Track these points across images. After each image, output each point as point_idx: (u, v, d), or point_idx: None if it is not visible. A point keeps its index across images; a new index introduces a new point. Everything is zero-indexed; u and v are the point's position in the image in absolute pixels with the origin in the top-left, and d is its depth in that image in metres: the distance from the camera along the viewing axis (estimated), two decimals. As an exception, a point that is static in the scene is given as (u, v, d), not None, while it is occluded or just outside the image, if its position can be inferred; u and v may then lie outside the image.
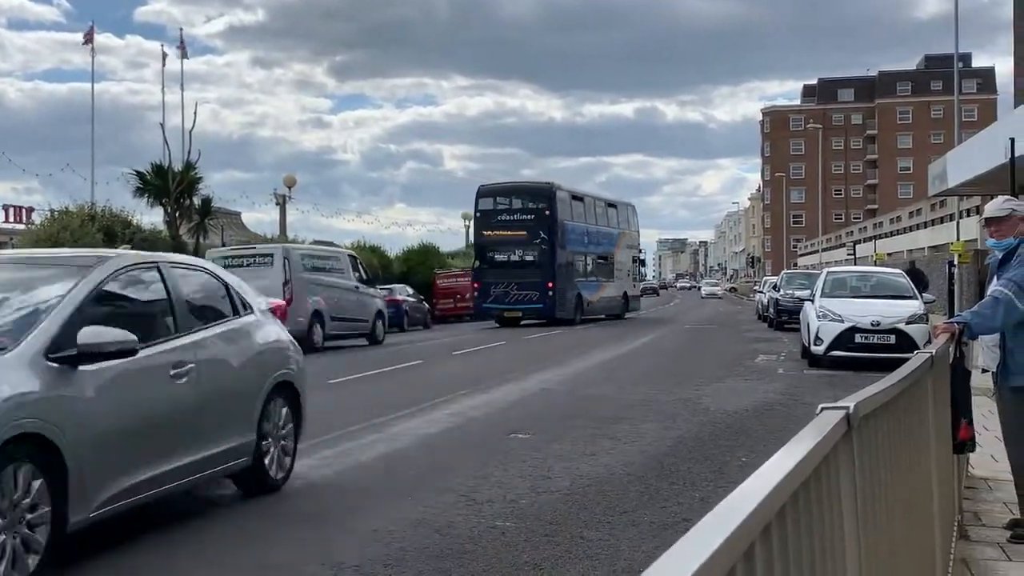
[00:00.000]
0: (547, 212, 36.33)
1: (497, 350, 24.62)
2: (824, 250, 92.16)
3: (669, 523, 6.89)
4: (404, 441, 10.68)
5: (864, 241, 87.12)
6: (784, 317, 31.44)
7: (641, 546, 6.31)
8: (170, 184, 32.28)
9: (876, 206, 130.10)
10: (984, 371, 6.70)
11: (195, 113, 64.56)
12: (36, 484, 5.49)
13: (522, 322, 35.34)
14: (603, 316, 39.75)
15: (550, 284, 35.77)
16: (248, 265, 24.53)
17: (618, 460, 9.39)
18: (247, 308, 8.29)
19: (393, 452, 10.05)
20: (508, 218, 36.97)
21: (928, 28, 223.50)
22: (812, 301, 19.53)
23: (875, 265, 47.17)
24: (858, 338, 18.07)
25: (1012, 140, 19.95)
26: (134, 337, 6.12)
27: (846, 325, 18.18)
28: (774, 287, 35.67)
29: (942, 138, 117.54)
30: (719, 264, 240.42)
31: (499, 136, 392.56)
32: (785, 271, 43.39)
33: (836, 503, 2.10)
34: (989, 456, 8.70)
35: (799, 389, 15.06)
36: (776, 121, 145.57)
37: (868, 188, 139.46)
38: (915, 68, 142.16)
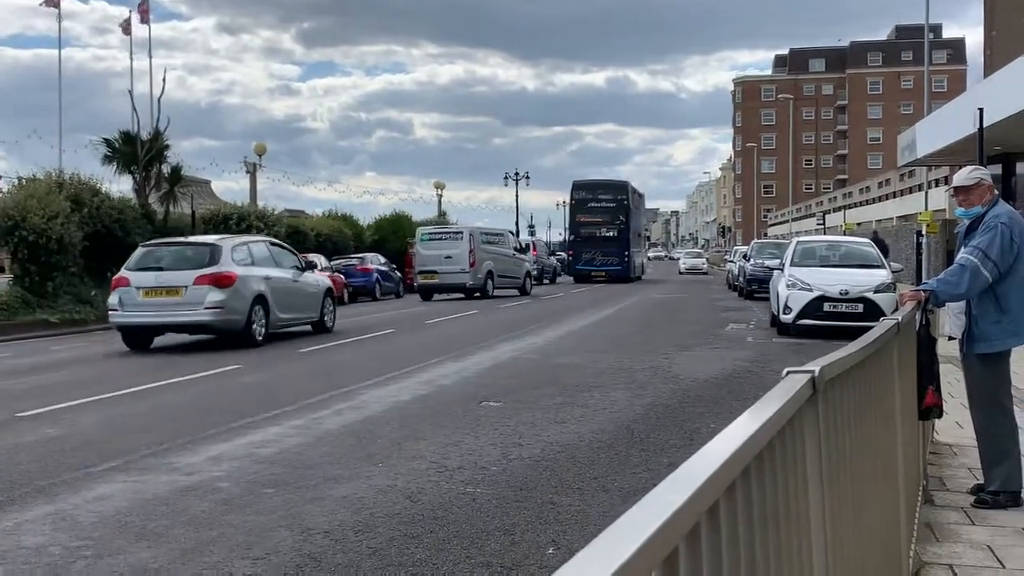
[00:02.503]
0: (624, 201, 50.27)
1: (470, 319, 24.84)
2: (794, 220, 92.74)
3: (639, 488, 6.92)
4: (374, 409, 10.70)
5: (834, 211, 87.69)
6: (754, 286, 31.68)
7: (611, 511, 6.34)
8: (139, 152, 31.96)
9: (846, 176, 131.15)
10: (950, 338, 6.76)
11: (164, 80, 63.39)
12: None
13: (600, 279, 48.48)
14: (641, 276, 53.96)
15: (626, 253, 49.74)
16: (444, 239, 35.79)
17: (589, 428, 9.42)
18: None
19: (363, 420, 10.07)
20: (595, 205, 50.13)
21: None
22: (782, 270, 19.59)
23: (844, 235, 47.82)
24: (827, 307, 18.25)
25: (980, 111, 20.07)
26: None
27: (815, 294, 18.33)
28: (745, 256, 35.90)
29: (912, 108, 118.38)
30: (690, 234, 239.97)
31: (470, 105, 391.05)
32: (755, 241, 43.78)
33: (801, 465, 2.11)
34: (954, 422, 8.83)
35: (768, 357, 15.17)
36: (747, 91, 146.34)
37: (838, 158, 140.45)
38: (886, 39, 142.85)
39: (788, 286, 18.67)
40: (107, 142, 32.94)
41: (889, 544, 3.94)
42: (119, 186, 33.21)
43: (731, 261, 44.55)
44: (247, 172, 42.20)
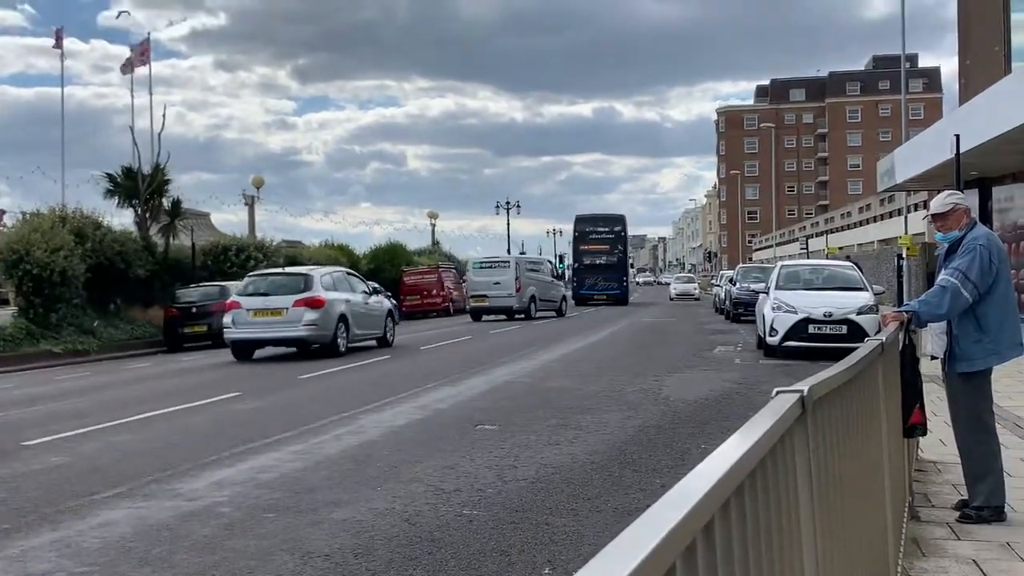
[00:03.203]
0: (622, 232, 53.93)
1: (463, 344, 24.85)
2: (778, 244, 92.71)
3: (633, 509, 6.89)
4: (372, 434, 10.63)
5: (816, 236, 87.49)
6: (740, 309, 31.65)
7: (605, 531, 6.33)
8: (140, 186, 31.93)
9: (827, 202, 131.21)
10: (932, 358, 6.75)
11: (164, 116, 63.47)
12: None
13: (601, 303, 50.69)
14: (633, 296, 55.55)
15: (624, 279, 53.41)
16: (494, 267, 39.44)
17: (582, 449, 9.37)
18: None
19: (362, 444, 10.00)
20: (596, 236, 53.45)
21: (877, 28, 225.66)
22: (767, 294, 19.58)
23: (827, 259, 47.78)
24: (811, 328, 18.16)
25: (957, 137, 20.15)
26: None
27: (800, 316, 18.26)
28: (731, 281, 35.88)
29: (890, 135, 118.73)
30: (677, 259, 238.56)
31: (461, 136, 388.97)
32: (741, 265, 43.94)
33: (792, 482, 2.11)
34: (938, 440, 8.79)
35: (756, 378, 15.15)
36: (731, 120, 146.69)
37: (820, 184, 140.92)
38: (864, 68, 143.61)
39: (774, 309, 18.63)
40: (109, 177, 32.95)
41: (877, 559, 3.92)
42: (121, 219, 33.23)
43: (718, 285, 44.48)
44: (245, 204, 42.39)
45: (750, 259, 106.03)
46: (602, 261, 52.61)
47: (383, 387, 15.01)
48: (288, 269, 24.76)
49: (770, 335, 18.61)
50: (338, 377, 17.24)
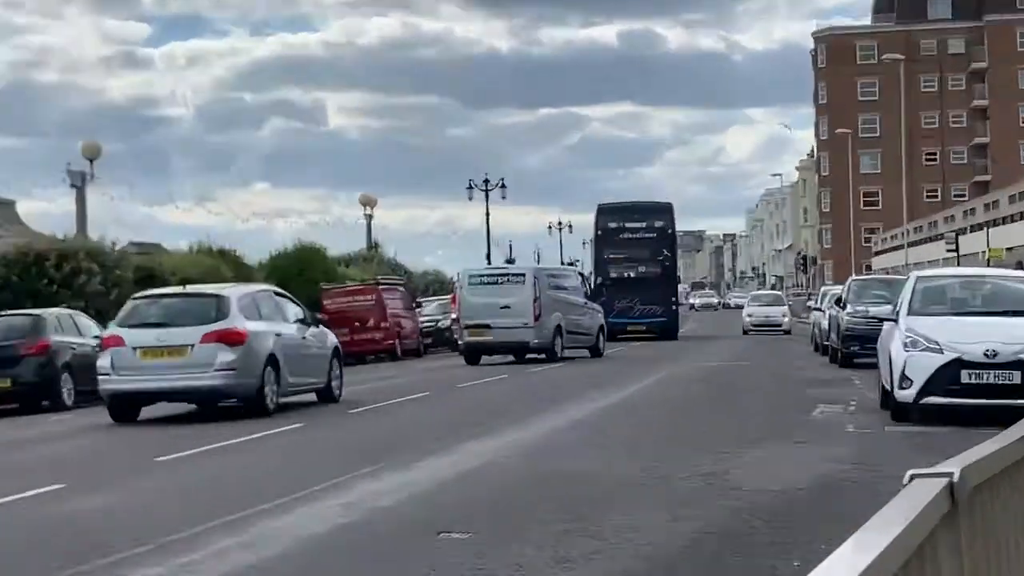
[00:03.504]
0: (668, 230, 45.83)
1: (417, 405, 22.07)
2: (911, 245, 79.66)
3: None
4: (272, 548, 9.03)
5: (971, 230, 75.64)
6: (854, 346, 27.89)
7: None
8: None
9: (988, 177, 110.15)
10: None
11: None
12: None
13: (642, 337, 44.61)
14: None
15: (673, 299, 46.38)
16: (500, 283, 32.57)
17: (606, 570, 8.14)
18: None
19: (254, 567, 8.37)
20: (630, 236, 44.81)
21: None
22: (895, 321, 17.21)
23: (989, 266, 43.30)
24: (966, 376, 15.72)
25: None
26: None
27: (947, 357, 15.77)
28: (838, 302, 31.50)
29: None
30: (753, 268, 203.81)
31: (412, 77, 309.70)
32: (854, 277, 38.22)
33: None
34: None
35: (878, 456, 13.47)
36: (836, 50, 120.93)
37: (975, 151, 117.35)
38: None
39: (907, 346, 16.26)
40: None
41: None
42: None
43: (818, 309, 38.51)
44: (72, 187, 35.69)
45: (868, 268, 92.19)
46: (638, 274, 45.09)
47: (298, 470, 13.27)
48: (191, 289, 22.07)
49: (901, 387, 16.28)
50: (232, 455, 15.34)
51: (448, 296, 43.50)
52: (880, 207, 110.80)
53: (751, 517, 10.38)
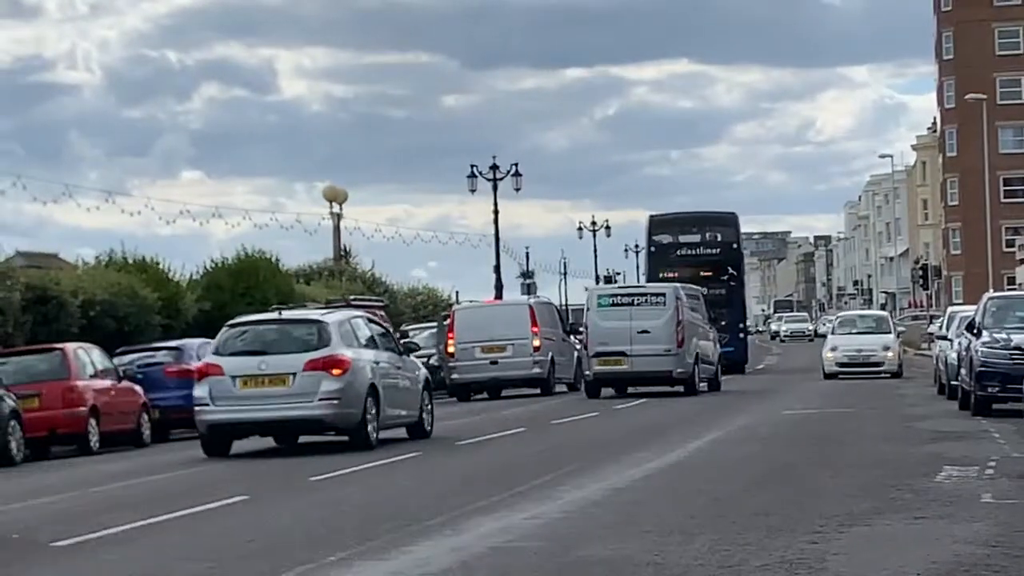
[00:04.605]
0: (734, 245, 50.65)
1: (394, 472, 21.42)
2: None
3: None
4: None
5: None
6: (992, 387, 26.57)
7: None
8: None
9: None
10: None
11: None
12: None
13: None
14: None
15: (740, 326, 49.82)
16: (637, 304, 37.43)
17: None
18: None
19: None
20: (688, 252, 49.81)
21: None
22: None
23: None
24: None
25: None
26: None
27: None
28: (970, 327, 29.87)
29: None
30: (855, 283, 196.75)
31: (394, 29, 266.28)
32: (992, 295, 35.08)
33: None
34: None
35: None
36: None
37: None
38: None
39: None
40: None
41: None
42: None
43: (942, 337, 37.52)
44: None
45: (1011, 282, 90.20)
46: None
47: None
48: (289, 315, 25.32)
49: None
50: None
51: (438, 321, 44.97)
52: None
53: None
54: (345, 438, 22.68)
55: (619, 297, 39.12)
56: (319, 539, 14.11)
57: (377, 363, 23.16)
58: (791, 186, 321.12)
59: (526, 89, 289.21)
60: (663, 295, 37.76)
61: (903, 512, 14.50)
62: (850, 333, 49.02)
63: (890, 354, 46.41)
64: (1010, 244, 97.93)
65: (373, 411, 22.36)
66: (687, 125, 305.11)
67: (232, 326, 24.08)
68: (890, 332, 49.28)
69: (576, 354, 42.90)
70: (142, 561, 13.54)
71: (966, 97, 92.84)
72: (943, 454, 20.85)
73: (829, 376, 45.23)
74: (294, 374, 21.77)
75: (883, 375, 45.66)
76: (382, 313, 41.35)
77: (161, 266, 40.72)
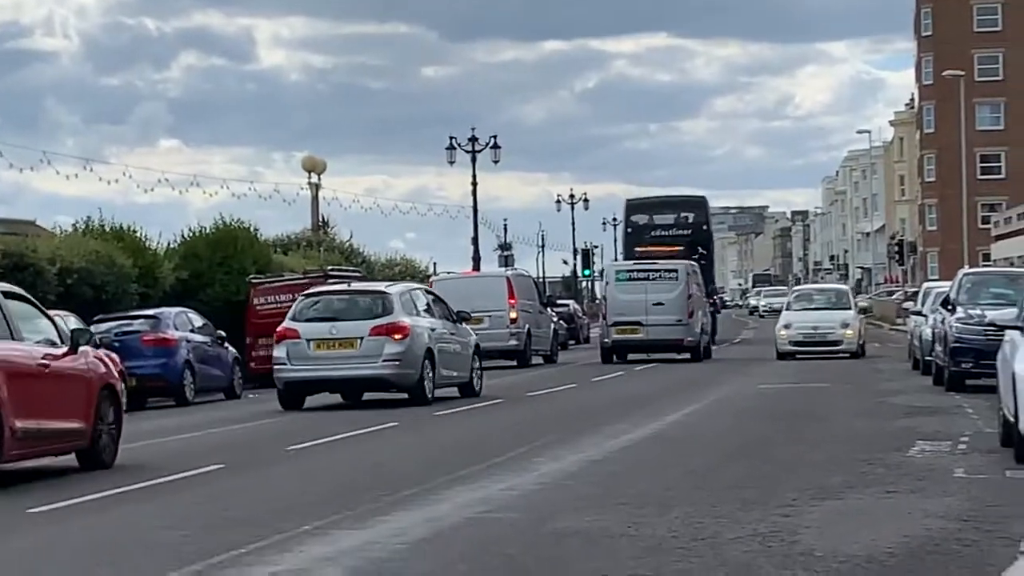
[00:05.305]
0: (704, 225, 54.28)
1: (372, 442, 21.70)
2: None
3: None
4: None
5: None
6: (966, 362, 26.91)
7: None
8: None
9: None
10: None
11: None
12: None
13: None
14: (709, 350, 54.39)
15: (711, 300, 52.31)
16: (652, 279, 41.84)
17: None
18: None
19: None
20: (661, 234, 52.60)
21: None
22: (1022, 330, 16.49)
23: None
24: None
25: None
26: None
27: None
28: (945, 303, 30.21)
29: None
30: (831, 258, 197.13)
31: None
32: (966, 270, 35.67)
33: None
34: None
35: (995, 509, 12.85)
36: None
37: None
38: None
39: None
40: None
41: None
42: None
43: (917, 312, 37.54)
44: None
45: (986, 258, 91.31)
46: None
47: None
48: (356, 286, 29.97)
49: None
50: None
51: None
52: (1004, 175, 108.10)
53: (827, 597, 9.96)
54: (404, 395, 26.01)
55: (636, 272, 43.11)
56: (294, 508, 14.07)
57: (433, 330, 26.59)
58: (769, 160, 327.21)
59: (505, 61, 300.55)
60: (676, 271, 42.28)
61: (875, 486, 14.66)
62: (806, 309, 45.57)
63: (849, 332, 43.11)
64: (986, 221, 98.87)
65: (430, 372, 25.78)
66: (666, 99, 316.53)
67: (307, 295, 28.08)
68: (849, 308, 46.11)
69: (553, 326, 47.47)
70: (111, 529, 13.33)
71: (944, 74, 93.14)
72: (916, 429, 21.09)
73: (783, 356, 42.49)
74: (361, 338, 25.23)
75: (841, 355, 42.52)
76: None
77: (139, 234, 40.62)
